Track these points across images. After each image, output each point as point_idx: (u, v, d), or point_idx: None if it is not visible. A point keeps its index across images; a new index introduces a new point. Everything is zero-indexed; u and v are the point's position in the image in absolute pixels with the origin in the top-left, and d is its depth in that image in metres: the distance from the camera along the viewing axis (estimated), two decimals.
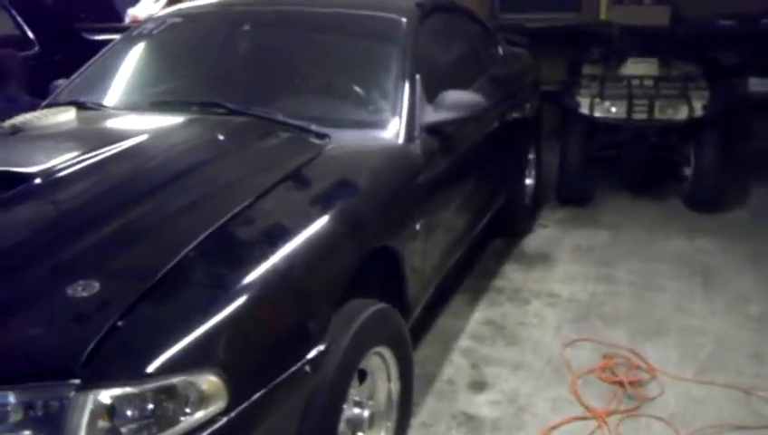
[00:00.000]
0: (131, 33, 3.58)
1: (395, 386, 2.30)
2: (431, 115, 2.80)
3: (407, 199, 2.59)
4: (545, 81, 4.98)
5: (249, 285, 1.79)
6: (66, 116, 2.65)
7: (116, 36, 5.14)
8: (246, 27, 3.20)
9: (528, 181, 4.69)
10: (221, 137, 2.51)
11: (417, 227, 2.59)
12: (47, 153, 2.29)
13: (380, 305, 2.22)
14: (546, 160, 5.09)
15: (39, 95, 3.82)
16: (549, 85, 5.08)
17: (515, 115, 4.17)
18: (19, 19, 4.74)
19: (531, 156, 4.68)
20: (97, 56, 3.46)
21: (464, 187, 3.25)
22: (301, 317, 1.89)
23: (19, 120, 2.61)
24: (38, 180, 2.13)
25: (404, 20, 3.09)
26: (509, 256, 4.23)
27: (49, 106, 3.11)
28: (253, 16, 3.28)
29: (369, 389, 2.21)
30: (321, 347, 1.89)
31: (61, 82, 3.51)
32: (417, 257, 2.60)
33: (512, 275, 3.98)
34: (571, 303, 3.65)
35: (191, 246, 1.84)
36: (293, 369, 1.80)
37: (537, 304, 3.64)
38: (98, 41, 5.35)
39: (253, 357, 1.73)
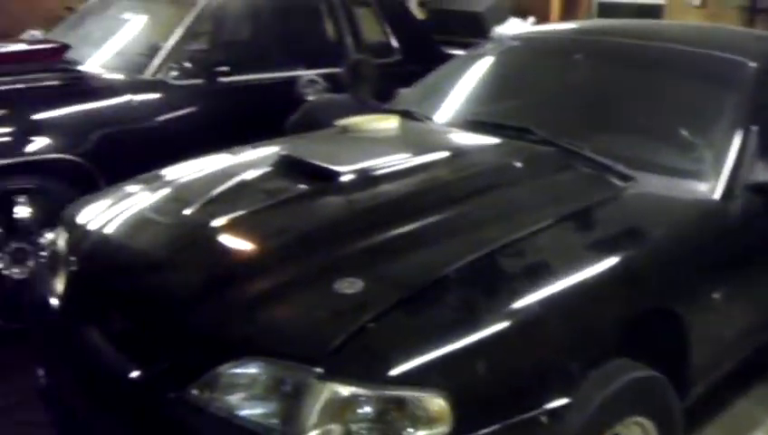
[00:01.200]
0: (472, 52, 3.74)
1: None
2: (762, 173, 2.49)
3: (709, 263, 2.34)
4: None
5: (501, 317, 1.77)
6: (389, 123, 2.86)
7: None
8: (578, 56, 3.15)
9: None
10: (518, 164, 2.52)
11: (716, 295, 2.32)
12: (359, 155, 2.50)
13: (648, 372, 2.04)
14: None
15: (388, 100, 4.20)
16: None
17: None
18: (387, 27, 5.19)
19: None
20: (436, 70, 3.68)
21: None
22: (548, 363, 1.81)
23: (349, 121, 2.89)
24: (345, 178, 2.34)
25: (753, 65, 2.78)
26: None
27: (384, 112, 3.38)
28: (588, 46, 3.20)
29: None
30: (565, 401, 1.80)
31: (402, 90, 3.79)
32: (709, 329, 2.33)
33: None
34: None
35: (455, 267, 1.88)
36: (529, 415, 1.74)
37: None
38: (455, 55, 5.68)
39: (488, 390, 1.71)
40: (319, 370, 1.64)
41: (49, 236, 3.60)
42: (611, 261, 2.03)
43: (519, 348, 1.78)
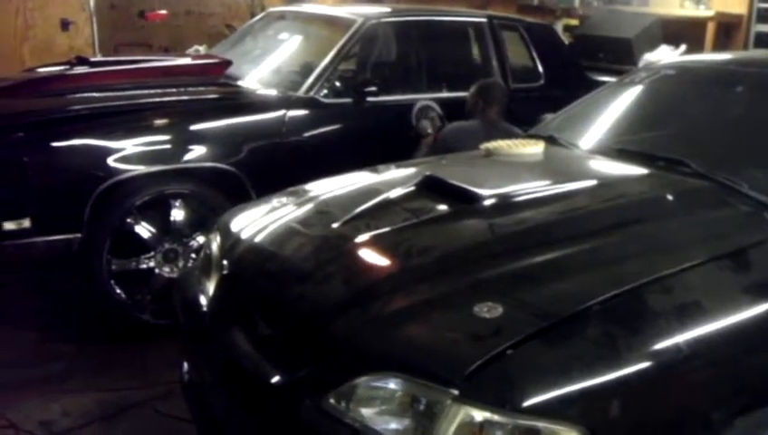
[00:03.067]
0: (623, 80, 3.65)
1: None
2: None
3: None
4: None
5: (644, 356, 1.71)
6: (534, 149, 2.85)
7: (613, 78, 5.29)
8: (737, 88, 3.00)
9: None
10: (670, 197, 2.42)
11: None
12: (503, 180, 2.50)
13: None
14: None
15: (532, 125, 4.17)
16: None
17: None
18: (533, 52, 5.16)
19: None
20: (585, 97, 3.61)
21: None
22: (691, 408, 1.74)
23: (494, 145, 2.89)
24: (487, 202, 2.34)
25: None
26: None
27: (529, 136, 3.36)
28: (747, 77, 3.05)
29: None
30: None
31: (547, 115, 3.75)
32: None
33: None
34: None
35: (598, 300, 1.83)
36: None
37: None
38: (600, 82, 5.55)
39: (625, 431, 1.65)
40: (455, 391, 1.65)
41: (200, 239, 3.85)
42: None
43: (661, 390, 1.71)
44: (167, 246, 3.84)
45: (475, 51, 5.16)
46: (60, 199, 3.59)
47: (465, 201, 2.35)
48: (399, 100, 4.50)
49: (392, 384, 1.74)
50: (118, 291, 3.74)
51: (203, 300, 2.47)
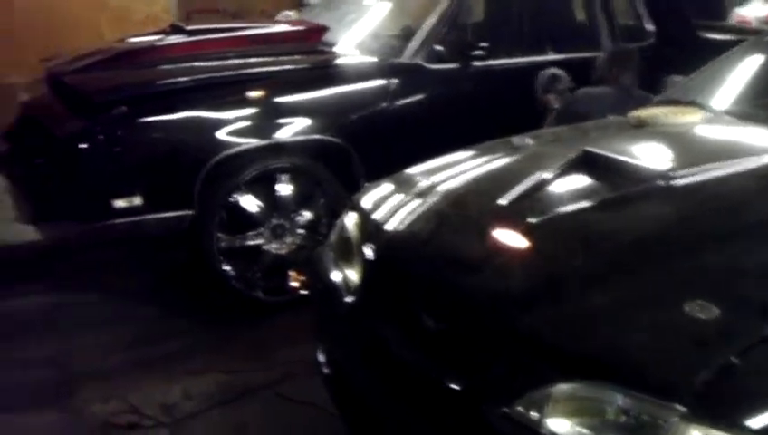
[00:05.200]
0: (763, 38, 3.35)
1: None
2: None
3: None
4: None
5: None
6: (691, 117, 2.60)
7: (727, 37, 4.97)
8: None
9: None
10: None
11: None
12: (674, 154, 2.27)
13: None
14: None
15: (648, 88, 3.90)
16: None
17: None
18: (640, 10, 4.84)
19: None
20: (720, 57, 3.33)
21: None
22: None
23: (644, 114, 2.66)
24: (668, 181, 2.12)
25: None
26: None
27: (667, 103, 3.10)
28: None
29: None
30: None
31: (677, 78, 3.48)
32: None
33: None
34: None
35: None
36: None
37: None
38: (710, 40, 5.20)
39: None
40: (683, 409, 1.46)
41: (306, 214, 3.72)
42: None
43: None
44: (274, 221, 3.73)
45: (580, 8, 4.86)
46: (170, 175, 3.50)
47: (639, 180, 2.12)
48: (508, 63, 4.27)
49: (600, 395, 1.56)
50: (227, 268, 3.65)
51: (344, 287, 2.33)
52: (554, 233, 1.99)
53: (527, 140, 2.75)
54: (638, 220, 2.00)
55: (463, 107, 4.07)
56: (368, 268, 2.24)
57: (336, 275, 2.40)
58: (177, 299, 3.89)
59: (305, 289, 3.56)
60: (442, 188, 2.38)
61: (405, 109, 3.95)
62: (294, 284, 3.74)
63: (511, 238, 1.98)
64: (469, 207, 2.24)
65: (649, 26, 4.85)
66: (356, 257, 2.35)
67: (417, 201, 2.34)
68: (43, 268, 4.08)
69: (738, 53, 3.28)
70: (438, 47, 4.07)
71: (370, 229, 2.33)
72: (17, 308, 3.72)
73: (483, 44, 4.06)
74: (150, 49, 4.14)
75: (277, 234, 3.75)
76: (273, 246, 3.75)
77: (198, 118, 3.54)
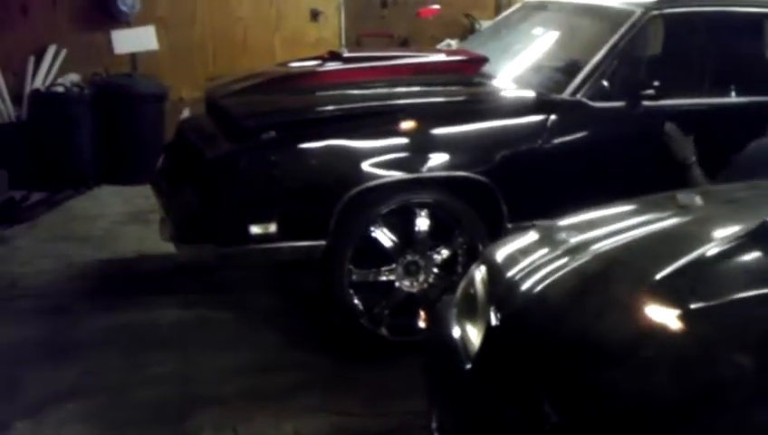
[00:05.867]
0: None
1: None
2: None
3: None
4: None
5: None
6: None
7: None
8: None
9: None
10: None
11: None
12: None
13: None
14: None
15: None
16: None
17: None
18: None
19: None
20: None
21: None
22: None
23: None
24: None
25: None
26: None
27: None
28: None
29: None
30: None
31: None
32: None
33: None
34: None
35: None
36: None
37: None
38: None
39: None
40: None
41: (444, 252, 3.49)
42: None
43: None
44: (408, 258, 3.55)
45: None
46: (308, 204, 3.43)
47: None
48: (683, 105, 3.83)
49: None
50: (356, 302, 3.51)
51: (462, 350, 2.08)
52: (721, 325, 1.62)
53: (696, 199, 2.37)
54: None
55: (625, 151, 3.69)
56: (490, 334, 1.98)
57: (456, 334, 2.16)
58: (302, 328, 3.79)
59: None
60: (589, 250, 2.05)
61: (560, 149, 3.64)
62: (423, 324, 3.54)
63: (665, 326, 1.63)
64: (618, 279, 1.90)
65: None
66: (479, 318, 2.09)
67: (558, 263, 2.04)
68: (176, 283, 4.14)
69: None
70: (604, 83, 3.72)
71: (499, 290, 2.07)
72: (146, 322, 3.77)
73: (655, 83, 3.66)
74: (303, 75, 4.12)
75: (411, 271, 3.57)
76: (406, 284, 3.56)
77: (344, 147, 3.44)
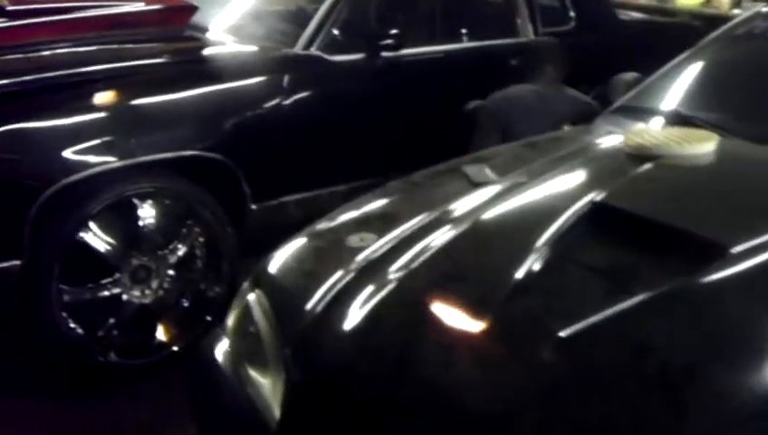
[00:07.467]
0: (732, 32, 2.83)
1: None
2: None
3: None
4: None
5: None
6: (706, 146, 1.95)
7: (653, 18, 4.51)
8: None
9: None
10: None
11: None
12: (733, 210, 1.60)
13: None
14: None
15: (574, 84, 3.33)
16: None
17: None
18: None
19: None
20: (686, 54, 2.77)
21: None
22: None
23: (651, 141, 1.96)
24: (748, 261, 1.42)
25: None
26: None
27: (640, 112, 2.50)
28: None
29: None
30: None
31: (623, 75, 2.90)
32: None
33: None
34: None
35: None
36: None
37: None
38: (631, 21, 4.74)
39: None
40: None
41: (180, 247, 2.86)
42: None
43: None
44: (135, 262, 2.86)
45: None
46: None
47: (700, 256, 1.41)
48: (422, 53, 3.55)
49: None
50: (73, 326, 2.75)
51: (255, 414, 1.53)
52: (604, 357, 1.26)
53: (486, 171, 2.03)
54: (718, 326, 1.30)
55: (371, 107, 3.32)
56: (293, 395, 1.46)
57: (238, 387, 1.60)
58: (17, 371, 2.91)
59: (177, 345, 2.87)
60: (397, 262, 1.59)
61: (300, 111, 3.16)
62: (164, 338, 2.92)
63: (537, 366, 1.23)
64: (456, 304, 1.43)
65: (572, 11, 4.27)
66: (272, 370, 1.56)
67: (365, 287, 1.54)
68: None
69: (715, 47, 2.73)
70: (339, 34, 3.30)
71: (295, 328, 1.54)
72: None
73: (393, 32, 3.32)
74: None
75: (139, 277, 2.89)
76: (135, 294, 2.88)
77: (27, 135, 2.63)
